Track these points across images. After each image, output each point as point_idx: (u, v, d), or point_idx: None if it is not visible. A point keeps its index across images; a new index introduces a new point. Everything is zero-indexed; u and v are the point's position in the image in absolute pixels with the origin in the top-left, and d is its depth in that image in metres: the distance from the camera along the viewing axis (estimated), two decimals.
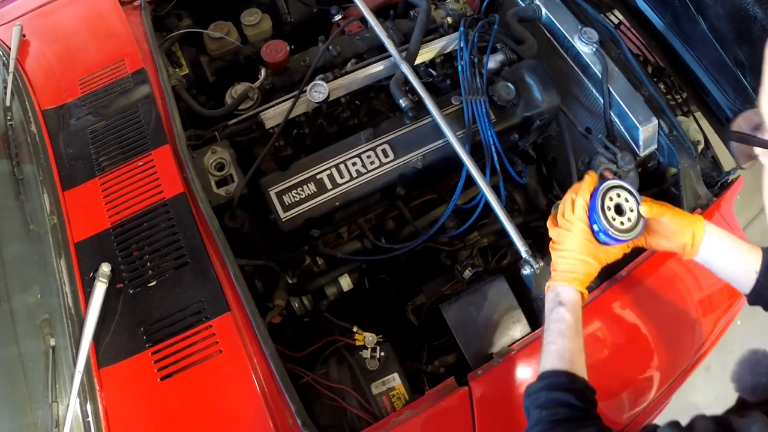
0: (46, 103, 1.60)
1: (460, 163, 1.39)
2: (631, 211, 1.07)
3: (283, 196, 1.41)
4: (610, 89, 1.57)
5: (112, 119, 1.53)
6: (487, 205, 1.37)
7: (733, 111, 1.58)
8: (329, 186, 1.43)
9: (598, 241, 1.08)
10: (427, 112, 1.48)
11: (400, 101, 1.50)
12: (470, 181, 1.42)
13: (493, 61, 1.62)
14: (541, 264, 1.27)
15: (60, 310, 1.27)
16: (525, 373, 1.24)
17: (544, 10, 1.73)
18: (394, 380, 1.24)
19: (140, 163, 1.43)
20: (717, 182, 1.58)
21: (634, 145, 1.56)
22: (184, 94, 1.64)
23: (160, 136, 1.46)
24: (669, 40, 1.73)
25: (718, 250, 1.07)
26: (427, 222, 1.62)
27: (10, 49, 1.69)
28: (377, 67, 1.63)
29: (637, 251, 1.17)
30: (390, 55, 1.59)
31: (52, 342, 1.25)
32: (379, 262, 1.55)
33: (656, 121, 1.55)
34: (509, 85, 1.50)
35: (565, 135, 1.59)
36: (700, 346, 1.41)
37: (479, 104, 1.45)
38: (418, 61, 1.63)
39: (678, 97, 1.77)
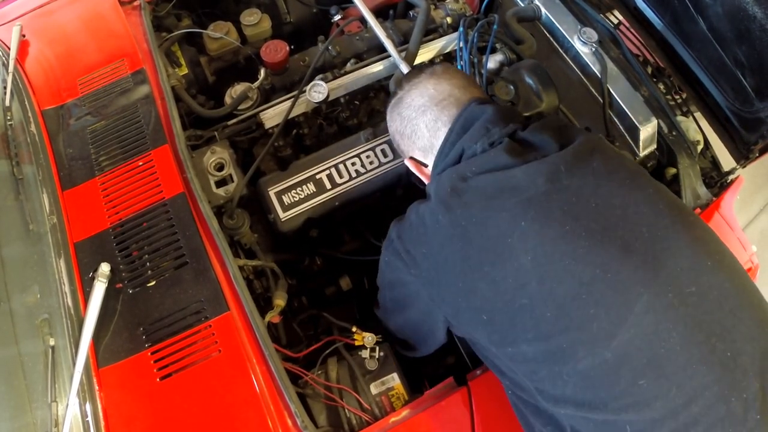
0: (45, 103, 1.60)
1: None
2: None
3: (283, 196, 1.41)
4: (610, 89, 1.57)
5: (111, 119, 1.53)
6: None
7: (732, 111, 1.58)
8: (329, 186, 1.43)
9: None
10: None
11: None
12: None
13: (492, 61, 1.61)
14: None
15: (59, 310, 1.27)
16: None
17: (543, 10, 1.73)
18: (394, 380, 1.23)
19: (140, 163, 1.43)
20: (717, 182, 1.58)
21: (633, 144, 1.56)
22: (184, 94, 1.64)
23: (159, 136, 1.47)
24: (669, 40, 1.72)
25: None
26: None
27: (10, 49, 1.69)
28: (377, 67, 1.63)
29: None
30: (389, 55, 1.59)
31: (52, 342, 1.24)
32: (378, 262, 1.55)
33: (656, 121, 1.55)
34: (509, 85, 1.50)
35: None
36: None
37: None
38: (417, 61, 1.63)
39: (678, 97, 1.77)
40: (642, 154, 1.55)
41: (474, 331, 1.06)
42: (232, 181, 1.44)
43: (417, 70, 1.23)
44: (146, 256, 1.30)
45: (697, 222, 1.01)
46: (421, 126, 1.15)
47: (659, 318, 0.88)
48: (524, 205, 0.96)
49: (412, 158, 1.21)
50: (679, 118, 1.66)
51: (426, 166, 1.18)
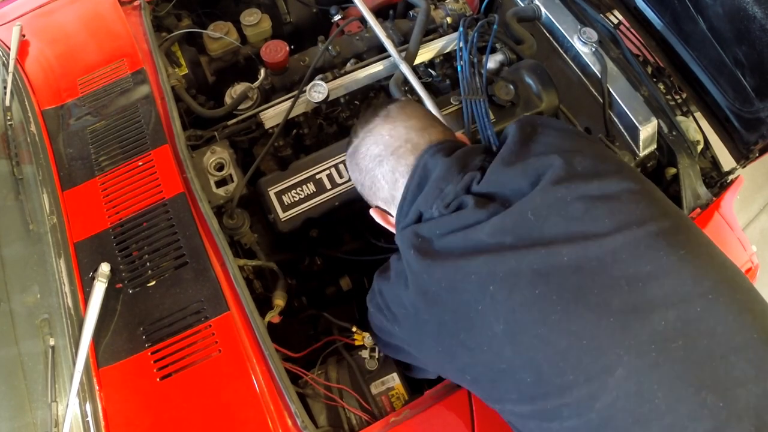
0: (45, 103, 1.60)
1: None
2: None
3: (283, 196, 1.41)
4: (610, 89, 1.57)
5: (111, 119, 1.53)
6: None
7: (732, 111, 1.58)
8: (329, 186, 1.43)
9: None
10: None
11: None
12: None
13: (492, 61, 1.62)
14: None
15: (59, 310, 1.27)
16: None
17: (543, 10, 1.73)
18: (394, 380, 1.23)
19: (140, 163, 1.43)
20: (717, 182, 1.58)
21: (633, 144, 1.56)
22: (184, 94, 1.64)
23: (159, 136, 1.47)
24: (669, 40, 1.73)
25: None
26: None
27: (10, 49, 1.69)
28: (377, 67, 1.63)
29: None
30: (389, 55, 1.59)
31: (52, 342, 1.24)
32: (378, 262, 1.55)
33: (656, 121, 1.55)
34: (509, 85, 1.50)
35: None
36: None
37: (479, 104, 1.45)
38: (417, 61, 1.63)
39: (678, 97, 1.77)
40: (642, 154, 1.56)
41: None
42: (232, 181, 1.44)
43: (371, 113, 1.14)
44: (146, 256, 1.30)
45: (690, 252, 0.91)
46: (380, 178, 1.09)
47: (642, 379, 0.84)
48: (492, 265, 0.91)
49: (377, 207, 1.17)
50: (679, 118, 1.66)
51: (392, 215, 1.14)
